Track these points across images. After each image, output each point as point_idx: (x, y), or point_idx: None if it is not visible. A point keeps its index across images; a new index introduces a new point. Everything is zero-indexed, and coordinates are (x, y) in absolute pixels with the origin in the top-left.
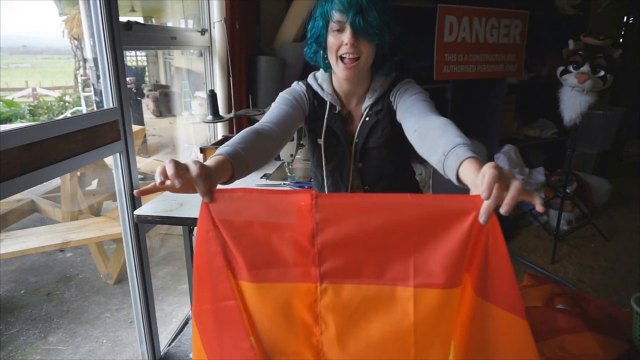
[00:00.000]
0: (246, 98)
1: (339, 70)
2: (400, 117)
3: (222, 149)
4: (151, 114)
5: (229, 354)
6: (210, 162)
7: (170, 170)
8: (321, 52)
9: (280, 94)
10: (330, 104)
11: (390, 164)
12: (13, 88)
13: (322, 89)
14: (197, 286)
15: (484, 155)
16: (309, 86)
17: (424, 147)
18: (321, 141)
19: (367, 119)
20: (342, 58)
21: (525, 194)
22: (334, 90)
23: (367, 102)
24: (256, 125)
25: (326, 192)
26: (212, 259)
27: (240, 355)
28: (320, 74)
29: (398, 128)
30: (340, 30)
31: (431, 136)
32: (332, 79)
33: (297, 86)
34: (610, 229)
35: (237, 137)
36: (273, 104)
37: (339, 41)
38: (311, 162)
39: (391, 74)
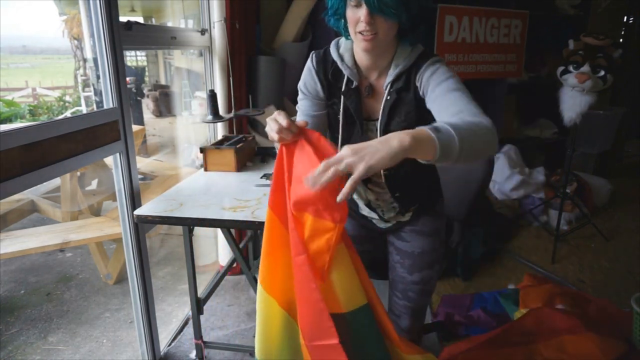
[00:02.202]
0: (246, 98)
1: (358, 42)
2: (431, 107)
3: None
4: (151, 114)
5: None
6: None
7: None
8: (342, 21)
9: (299, 88)
10: (348, 78)
11: None
12: (13, 88)
13: (342, 59)
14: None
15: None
16: (323, 59)
17: None
18: (340, 117)
19: (388, 97)
20: (361, 32)
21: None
22: (354, 62)
23: (388, 79)
24: None
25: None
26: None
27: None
28: (344, 41)
29: (426, 115)
30: (358, 5)
31: None
32: (354, 48)
33: (310, 64)
34: (610, 229)
35: None
36: (298, 110)
37: (357, 17)
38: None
39: (417, 44)
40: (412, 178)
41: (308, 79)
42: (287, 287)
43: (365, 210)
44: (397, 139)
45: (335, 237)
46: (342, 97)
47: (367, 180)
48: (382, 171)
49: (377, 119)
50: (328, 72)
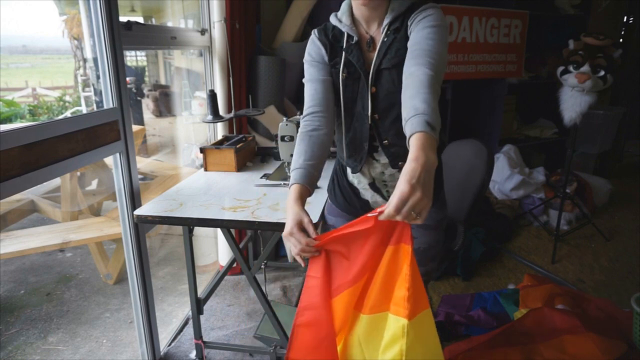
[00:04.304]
0: (246, 98)
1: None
2: (408, 46)
3: (299, 175)
4: (151, 114)
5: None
6: (297, 203)
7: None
8: None
9: (304, 62)
10: (348, 34)
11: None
12: (13, 88)
13: (340, 22)
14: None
15: (483, 156)
16: (324, 27)
17: (402, 99)
18: (344, 75)
19: (385, 39)
20: None
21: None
22: (352, 21)
23: (385, 22)
24: (306, 125)
25: (343, 130)
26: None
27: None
28: (341, 8)
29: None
30: None
31: (407, 93)
32: (353, 7)
33: (312, 36)
34: (610, 229)
35: (302, 152)
36: (305, 82)
37: None
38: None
39: None
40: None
41: (311, 47)
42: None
43: (368, 194)
44: (432, 166)
45: (411, 259)
46: (343, 54)
47: (373, 150)
48: (372, 114)
49: (371, 66)
50: (329, 35)
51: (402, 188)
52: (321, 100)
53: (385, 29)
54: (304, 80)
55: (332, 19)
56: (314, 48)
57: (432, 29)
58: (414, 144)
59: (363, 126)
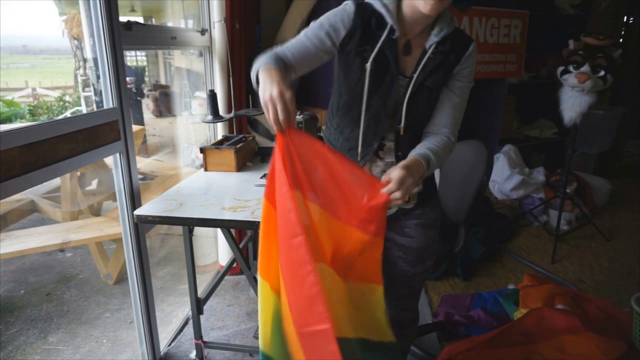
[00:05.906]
0: (246, 98)
1: (422, 6)
2: (444, 91)
3: (269, 59)
4: (151, 114)
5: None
6: (281, 73)
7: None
8: None
9: (324, 17)
10: (391, 27)
11: (431, 112)
12: (13, 88)
13: (386, 9)
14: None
15: (483, 155)
16: (364, 7)
17: (425, 138)
18: (372, 66)
19: (432, 56)
20: None
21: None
22: (398, 15)
23: (434, 39)
24: (278, 51)
25: (358, 122)
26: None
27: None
28: None
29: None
30: None
31: (430, 139)
32: (404, 3)
33: (348, 9)
34: (610, 229)
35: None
36: (304, 36)
37: None
38: (335, 97)
39: (467, 9)
40: (417, 142)
41: (341, 19)
42: (278, 271)
43: None
44: (417, 181)
45: (372, 249)
46: (378, 45)
47: (380, 147)
48: (401, 127)
49: (410, 76)
50: (370, 20)
51: (400, 172)
52: (302, 60)
53: (433, 47)
54: (304, 32)
55: (378, 5)
56: (339, 23)
57: (468, 87)
58: (409, 159)
59: (378, 125)
